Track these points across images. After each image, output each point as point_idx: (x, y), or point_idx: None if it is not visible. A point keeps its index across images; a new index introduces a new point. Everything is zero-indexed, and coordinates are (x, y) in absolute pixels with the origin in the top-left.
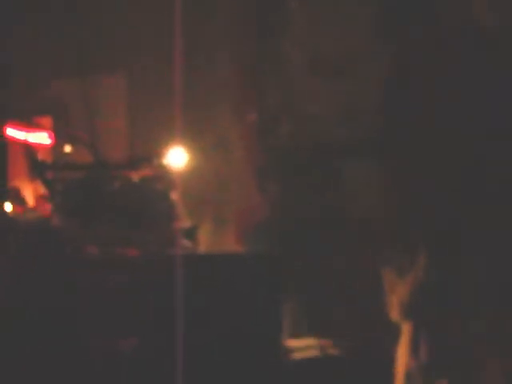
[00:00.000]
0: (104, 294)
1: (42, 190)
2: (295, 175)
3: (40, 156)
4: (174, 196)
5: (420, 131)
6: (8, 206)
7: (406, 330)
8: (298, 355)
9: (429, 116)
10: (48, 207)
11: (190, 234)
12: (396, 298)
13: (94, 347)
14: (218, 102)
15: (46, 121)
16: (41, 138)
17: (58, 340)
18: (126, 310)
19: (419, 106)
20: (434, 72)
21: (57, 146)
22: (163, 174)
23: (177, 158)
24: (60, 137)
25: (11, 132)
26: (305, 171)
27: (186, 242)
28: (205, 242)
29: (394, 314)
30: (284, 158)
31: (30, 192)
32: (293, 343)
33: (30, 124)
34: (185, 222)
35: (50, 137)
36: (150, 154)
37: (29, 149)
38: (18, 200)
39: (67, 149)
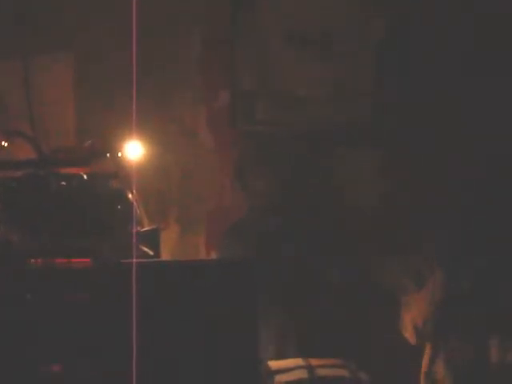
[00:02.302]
0: (52, 311)
1: None
2: (279, 168)
3: None
4: (131, 195)
5: (417, 110)
6: None
7: (426, 352)
8: (282, 378)
9: (424, 93)
10: None
11: (151, 238)
12: (410, 318)
13: (44, 370)
14: (182, 84)
15: None
16: None
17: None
18: (78, 327)
19: (414, 82)
20: (426, 43)
21: None
22: (118, 171)
23: (133, 150)
24: None
25: None
26: (289, 163)
27: (146, 249)
28: (169, 248)
29: (409, 335)
30: (264, 149)
31: None
32: (276, 364)
33: None
34: (144, 225)
35: None
36: (102, 148)
37: None
38: None
39: (3, 143)
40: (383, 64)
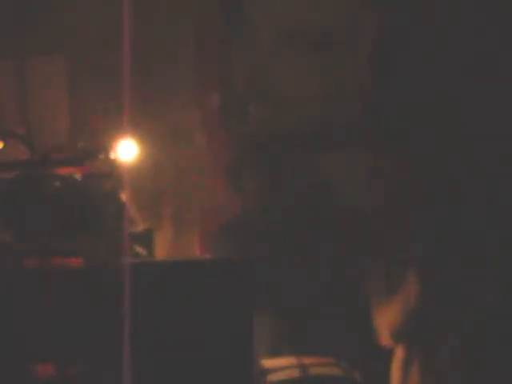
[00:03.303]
0: (46, 312)
1: None
2: (271, 169)
3: None
4: (124, 195)
5: (416, 112)
6: None
7: (398, 353)
8: (274, 376)
9: (423, 93)
10: None
11: (145, 239)
12: (385, 320)
13: (37, 373)
14: (175, 83)
15: None
16: None
17: None
18: (72, 329)
19: (412, 83)
20: (426, 43)
21: None
22: (111, 171)
23: (127, 151)
24: None
25: None
26: (283, 164)
27: (139, 249)
28: (162, 248)
29: (384, 338)
30: (257, 150)
31: None
32: (269, 363)
33: None
34: (138, 226)
35: None
36: (94, 147)
37: None
38: None
39: None
40: (381, 64)
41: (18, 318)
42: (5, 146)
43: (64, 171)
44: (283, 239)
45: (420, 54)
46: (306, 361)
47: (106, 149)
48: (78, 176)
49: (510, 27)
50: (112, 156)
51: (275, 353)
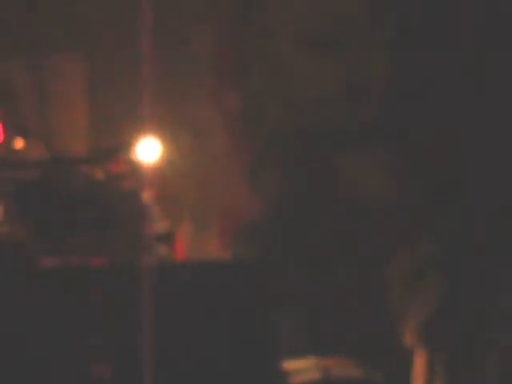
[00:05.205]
0: (68, 310)
1: None
2: (291, 168)
3: None
4: (147, 196)
5: (432, 112)
6: None
7: (420, 357)
8: (296, 378)
9: (439, 93)
10: None
11: (166, 238)
12: (412, 320)
13: (60, 371)
14: (195, 87)
15: None
16: None
17: (16, 361)
18: (95, 327)
19: (427, 82)
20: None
21: (5, 141)
22: (133, 170)
23: (149, 150)
24: (8, 130)
25: None
26: (301, 164)
27: (161, 249)
28: (184, 248)
29: (409, 339)
30: (275, 150)
31: None
32: (291, 364)
33: None
34: (160, 226)
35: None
36: (116, 147)
37: None
38: None
39: (18, 144)
40: (395, 64)
41: (40, 317)
42: (24, 146)
43: (86, 170)
44: (302, 238)
45: (435, 54)
46: (328, 362)
47: (126, 148)
48: (100, 176)
49: None
50: (133, 156)
51: (296, 354)
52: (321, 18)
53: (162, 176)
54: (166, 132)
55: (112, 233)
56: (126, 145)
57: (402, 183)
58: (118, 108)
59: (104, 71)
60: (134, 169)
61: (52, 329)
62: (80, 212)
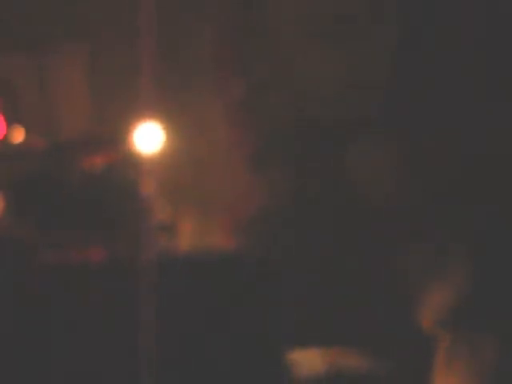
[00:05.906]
0: (66, 306)
1: None
2: (295, 160)
3: None
4: (148, 185)
5: (440, 103)
6: None
7: (442, 344)
8: (301, 369)
9: (446, 84)
10: None
11: (168, 231)
12: (433, 302)
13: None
14: (200, 73)
15: None
16: None
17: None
18: (93, 327)
19: (436, 71)
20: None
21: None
22: (133, 159)
23: (149, 138)
24: (9, 121)
25: None
26: (305, 155)
27: (162, 242)
28: (186, 241)
29: (428, 322)
30: (280, 141)
31: None
32: (296, 355)
33: None
34: (161, 218)
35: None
36: (114, 134)
37: None
38: None
39: (18, 136)
40: (398, 58)
41: (39, 314)
42: (24, 137)
43: (84, 162)
44: (309, 228)
45: (440, 46)
46: (334, 352)
47: (127, 136)
48: (98, 166)
49: None
50: (131, 145)
51: (301, 344)
52: (325, 5)
53: (164, 165)
54: (167, 118)
55: (112, 225)
56: (125, 133)
57: (403, 182)
58: (119, 97)
59: (106, 59)
60: (134, 159)
61: (52, 328)
62: (77, 205)
